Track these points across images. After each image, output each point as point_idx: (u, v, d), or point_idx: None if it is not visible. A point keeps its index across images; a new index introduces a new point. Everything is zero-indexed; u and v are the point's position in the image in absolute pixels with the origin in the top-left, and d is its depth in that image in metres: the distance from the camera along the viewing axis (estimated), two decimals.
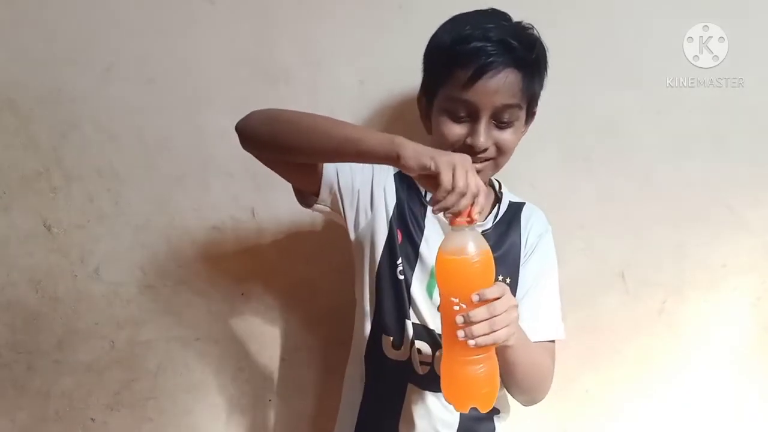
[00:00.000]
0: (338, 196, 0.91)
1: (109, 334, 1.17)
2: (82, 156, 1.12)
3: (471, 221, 0.72)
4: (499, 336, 0.70)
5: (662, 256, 1.15)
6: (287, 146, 0.81)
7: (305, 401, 1.19)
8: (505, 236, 0.94)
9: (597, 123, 1.13)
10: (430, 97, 0.90)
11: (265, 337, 1.19)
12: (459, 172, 0.71)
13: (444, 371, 0.76)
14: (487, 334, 0.70)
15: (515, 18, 0.87)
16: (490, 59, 0.80)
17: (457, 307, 0.71)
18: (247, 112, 0.85)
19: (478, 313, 0.70)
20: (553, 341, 0.92)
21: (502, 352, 0.78)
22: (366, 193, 0.92)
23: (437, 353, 0.90)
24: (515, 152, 1.10)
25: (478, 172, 0.81)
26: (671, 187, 1.14)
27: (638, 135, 1.13)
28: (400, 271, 0.90)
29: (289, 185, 1.12)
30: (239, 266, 1.16)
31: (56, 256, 1.15)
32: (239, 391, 1.20)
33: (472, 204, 0.72)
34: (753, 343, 1.18)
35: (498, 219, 0.94)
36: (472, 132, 0.84)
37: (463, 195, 0.71)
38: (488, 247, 0.73)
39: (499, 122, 0.85)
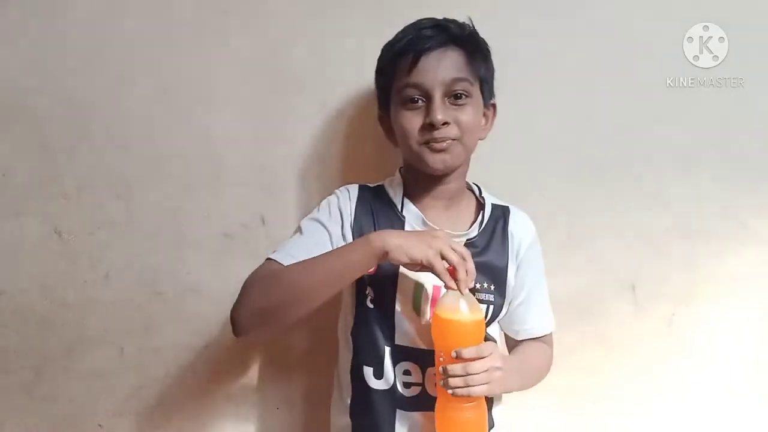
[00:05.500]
0: None
1: (118, 341, 1.17)
2: (93, 163, 1.13)
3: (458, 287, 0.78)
4: (476, 391, 0.77)
5: (671, 267, 1.15)
6: (288, 315, 0.83)
7: (314, 410, 1.19)
8: (491, 243, 0.94)
9: (607, 132, 1.13)
10: (386, 106, 0.93)
11: (273, 344, 1.19)
12: (446, 252, 0.77)
13: (437, 412, 0.82)
14: (462, 387, 0.76)
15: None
16: (426, 40, 0.86)
17: (441, 359, 0.79)
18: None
19: (454, 368, 0.77)
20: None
21: None
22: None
23: (429, 371, 0.89)
24: (526, 161, 1.12)
25: (444, 151, 0.87)
26: (681, 199, 1.14)
27: (648, 146, 1.13)
28: (370, 300, 0.91)
29: (298, 193, 1.14)
30: (249, 273, 1.16)
31: (66, 262, 1.15)
32: (247, 399, 1.20)
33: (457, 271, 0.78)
34: (763, 355, 1.18)
35: (483, 226, 0.94)
36: (428, 112, 0.87)
37: (463, 262, 0.78)
38: (478, 311, 0.80)
39: (454, 99, 0.88)
